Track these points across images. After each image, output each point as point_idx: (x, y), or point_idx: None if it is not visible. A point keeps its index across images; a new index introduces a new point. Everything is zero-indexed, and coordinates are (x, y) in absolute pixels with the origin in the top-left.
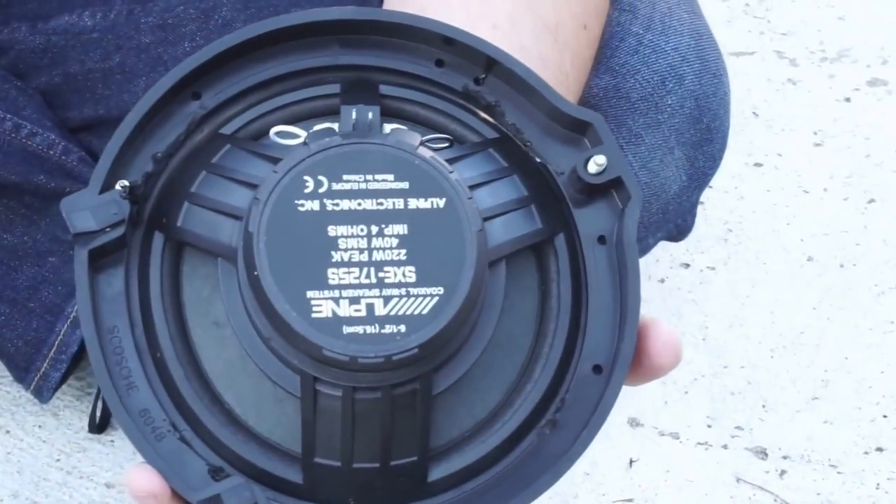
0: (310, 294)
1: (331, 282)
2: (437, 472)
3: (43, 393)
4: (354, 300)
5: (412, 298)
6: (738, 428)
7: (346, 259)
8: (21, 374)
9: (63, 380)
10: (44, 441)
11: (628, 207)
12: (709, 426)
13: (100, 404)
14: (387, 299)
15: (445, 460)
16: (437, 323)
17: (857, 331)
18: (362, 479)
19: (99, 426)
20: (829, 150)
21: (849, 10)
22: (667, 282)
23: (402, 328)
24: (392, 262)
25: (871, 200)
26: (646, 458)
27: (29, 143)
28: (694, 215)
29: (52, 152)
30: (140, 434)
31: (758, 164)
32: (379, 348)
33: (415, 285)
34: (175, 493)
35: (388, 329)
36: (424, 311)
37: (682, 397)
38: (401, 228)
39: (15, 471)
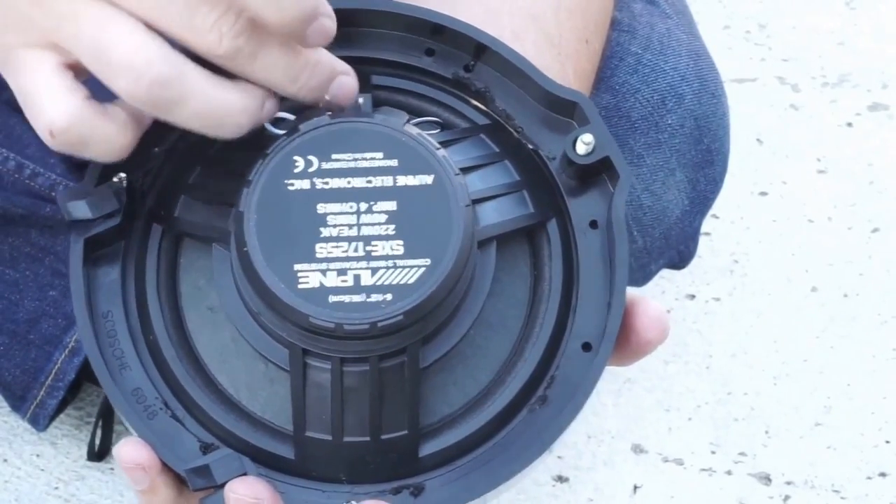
0: (297, 267)
1: (318, 255)
2: (428, 448)
3: (39, 421)
4: (342, 272)
5: (399, 269)
6: (741, 454)
7: (334, 234)
8: (17, 402)
9: (60, 409)
10: (42, 469)
11: (618, 187)
12: (712, 452)
13: (99, 432)
14: (374, 270)
15: (437, 437)
16: (423, 291)
17: (860, 358)
18: (353, 453)
19: (98, 454)
20: (833, 176)
21: (848, 35)
22: (671, 313)
23: (388, 297)
24: (380, 237)
25: (876, 230)
26: (650, 485)
27: (31, 183)
28: (696, 242)
29: (53, 193)
30: (132, 411)
31: (763, 193)
32: (365, 315)
33: (402, 257)
34: (165, 467)
35: (375, 297)
36: (411, 281)
37: (686, 424)
38: (389, 205)
39: (13, 499)
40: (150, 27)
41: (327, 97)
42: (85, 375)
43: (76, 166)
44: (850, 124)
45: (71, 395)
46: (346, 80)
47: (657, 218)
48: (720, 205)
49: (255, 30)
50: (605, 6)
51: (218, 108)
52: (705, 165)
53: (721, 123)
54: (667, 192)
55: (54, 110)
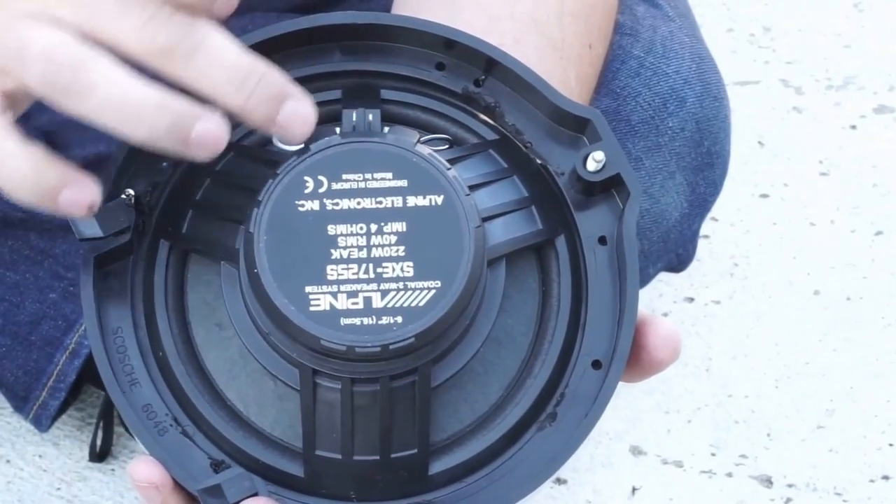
0: (308, 289)
1: (329, 277)
2: (438, 466)
3: (41, 422)
4: (352, 294)
5: (409, 291)
6: (742, 456)
7: (344, 256)
8: (20, 403)
9: (62, 409)
10: (44, 470)
11: (628, 204)
12: (713, 454)
13: (100, 433)
14: (384, 293)
15: (447, 454)
16: (434, 314)
17: (863, 361)
18: (363, 471)
19: (99, 455)
20: (836, 179)
21: (855, 38)
22: (670, 316)
23: (399, 319)
24: (390, 259)
25: (879, 232)
26: (649, 487)
27: None
28: (695, 245)
29: None
30: (143, 427)
31: (764, 196)
32: (376, 338)
33: (412, 279)
34: (177, 485)
35: (386, 320)
36: (421, 303)
37: (686, 426)
38: (399, 226)
39: (15, 500)
40: (87, 37)
41: (279, 119)
42: (86, 377)
43: None
44: (854, 127)
45: (73, 397)
46: (298, 107)
47: (655, 221)
48: (719, 208)
49: (193, 25)
50: (608, 10)
51: (131, 100)
52: (705, 168)
53: (722, 126)
54: (665, 195)
55: None
